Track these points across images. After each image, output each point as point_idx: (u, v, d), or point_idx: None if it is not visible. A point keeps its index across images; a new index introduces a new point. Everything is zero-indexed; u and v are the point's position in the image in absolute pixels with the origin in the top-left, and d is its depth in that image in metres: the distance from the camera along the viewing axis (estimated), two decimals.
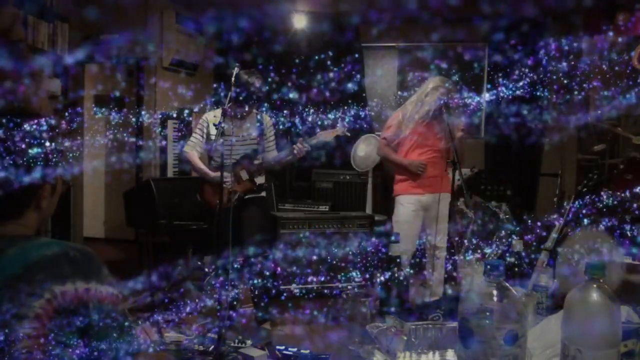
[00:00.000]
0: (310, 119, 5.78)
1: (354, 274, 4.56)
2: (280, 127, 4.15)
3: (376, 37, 6.45)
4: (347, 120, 3.94)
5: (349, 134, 3.86)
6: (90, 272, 1.25)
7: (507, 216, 4.57)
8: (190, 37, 6.15)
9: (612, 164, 5.03)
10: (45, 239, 1.32)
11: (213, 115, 3.80)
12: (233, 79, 3.56)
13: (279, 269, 4.37)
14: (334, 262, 4.50)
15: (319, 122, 4.69)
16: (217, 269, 3.75)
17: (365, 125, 6.39)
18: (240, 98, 3.60)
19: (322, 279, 4.50)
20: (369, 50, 6.68)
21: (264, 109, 4.16)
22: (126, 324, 1.29)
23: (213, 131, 3.73)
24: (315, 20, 6.24)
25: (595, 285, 1.07)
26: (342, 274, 4.53)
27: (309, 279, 4.47)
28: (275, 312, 4.09)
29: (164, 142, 5.73)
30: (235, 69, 3.56)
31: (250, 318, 3.79)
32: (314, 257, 4.44)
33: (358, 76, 6.51)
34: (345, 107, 6.18)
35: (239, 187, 3.75)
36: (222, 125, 3.40)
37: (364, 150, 5.76)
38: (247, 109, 3.72)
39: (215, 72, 6.65)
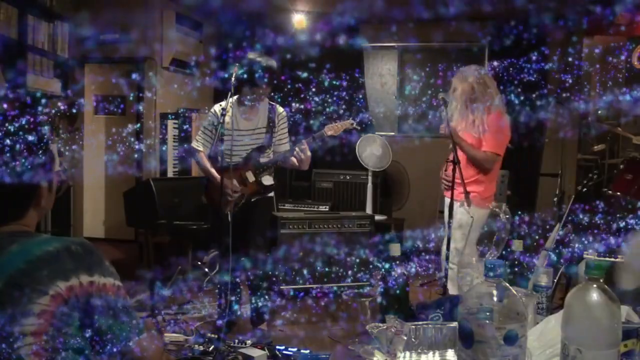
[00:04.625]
0: (311, 117, 5.79)
1: (353, 274, 4.56)
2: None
3: (376, 37, 6.45)
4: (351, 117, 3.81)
5: (358, 128, 3.68)
6: (93, 265, 1.26)
7: (507, 216, 4.56)
8: (190, 37, 6.15)
9: (612, 164, 5.03)
10: (45, 235, 1.33)
11: (222, 107, 3.50)
12: (239, 65, 3.35)
13: (278, 269, 4.36)
14: (334, 262, 4.50)
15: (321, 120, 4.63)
16: (217, 269, 3.75)
17: (365, 125, 6.40)
18: (250, 82, 3.33)
19: (322, 279, 4.50)
20: (369, 50, 6.69)
21: (277, 100, 3.88)
22: (130, 313, 1.30)
23: (227, 120, 3.46)
24: (315, 20, 6.25)
25: (595, 285, 1.07)
26: (342, 274, 4.53)
27: (309, 279, 4.47)
28: (275, 312, 4.09)
29: (164, 142, 5.73)
30: (235, 68, 3.39)
31: (249, 318, 3.79)
32: (314, 257, 4.44)
33: (358, 76, 6.51)
34: (345, 106, 6.19)
35: (245, 189, 3.54)
36: (233, 133, 3.27)
37: (379, 150, 5.73)
38: (258, 94, 3.44)
39: (215, 72, 6.65)
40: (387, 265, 1.62)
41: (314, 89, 6.22)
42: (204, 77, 6.47)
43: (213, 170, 3.54)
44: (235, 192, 3.48)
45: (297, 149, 3.44)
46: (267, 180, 3.61)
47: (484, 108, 3.45)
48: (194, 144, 3.64)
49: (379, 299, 1.64)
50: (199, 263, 4.67)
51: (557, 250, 2.05)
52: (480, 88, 3.47)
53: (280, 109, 3.64)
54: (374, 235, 4.65)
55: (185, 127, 5.70)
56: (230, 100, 3.43)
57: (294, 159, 3.48)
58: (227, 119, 3.46)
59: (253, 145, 3.57)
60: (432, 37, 6.09)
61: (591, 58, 5.62)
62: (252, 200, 3.60)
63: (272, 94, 4.16)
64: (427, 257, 4.74)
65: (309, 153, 3.46)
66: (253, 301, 3.71)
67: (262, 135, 3.56)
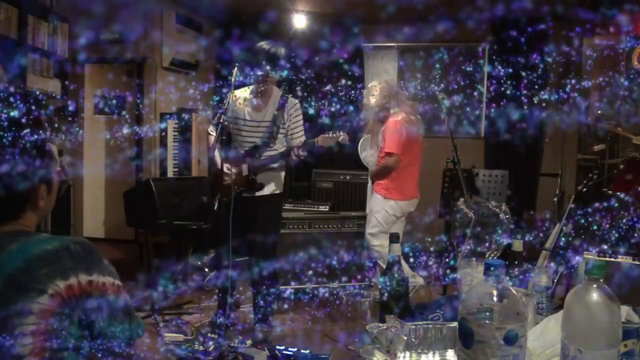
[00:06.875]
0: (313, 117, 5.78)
1: (353, 273, 4.56)
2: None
3: (376, 37, 6.45)
4: (347, 127, 3.88)
5: (348, 142, 3.58)
6: (92, 264, 1.26)
7: (507, 216, 4.56)
8: (190, 37, 6.15)
9: (612, 164, 5.02)
10: (45, 234, 1.32)
11: (242, 94, 3.51)
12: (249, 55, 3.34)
13: (278, 269, 4.36)
14: (334, 262, 4.49)
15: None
16: (217, 269, 3.74)
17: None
18: (261, 72, 3.24)
19: (322, 278, 4.49)
20: (369, 50, 6.69)
21: (289, 93, 3.65)
22: (130, 313, 1.29)
23: (238, 107, 3.48)
24: (315, 20, 6.24)
25: (595, 285, 1.07)
26: (342, 273, 4.53)
27: (309, 278, 4.47)
28: (275, 312, 4.08)
29: (164, 142, 5.73)
30: (235, 68, 3.41)
31: (249, 318, 3.79)
32: (314, 257, 4.44)
33: (358, 76, 6.51)
34: (345, 107, 6.19)
35: (237, 180, 3.46)
36: (223, 137, 3.29)
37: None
38: (265, 81, 3.34)
39: (216, 72, 6.66)
40: (387, 265, 1.62)
41: (313, 89, 6.21)
42: (203, 77, 6.47)
43: (216, 156, 3.52)
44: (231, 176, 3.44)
45: (296, 150, 3.39)
46: (263, 179, 3.52)
47: (382, 121, 4.16)
48: (210, 128, 3.63)
49: (378, 299, 1.64)
50: (199, 263, 4.67)
51: (557, 250, 2.05)
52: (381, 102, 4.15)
53: (293, 101, 3.50)
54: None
55: (185, 127, 5.70)
56: (250, 88, 3.48)
57: (292, 157, 3.44)
58: (235, 105, 3.46)
59: (258, 137, 3.50)
60: (432, 37, 6.08)
61: (591, 58, 5.62)
62: (245, 195, 3.49)
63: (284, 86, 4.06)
64: (427, 256, 4.74)
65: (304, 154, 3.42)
66: (253, 301, 3.71)
67: (268, 128, 3.47)
